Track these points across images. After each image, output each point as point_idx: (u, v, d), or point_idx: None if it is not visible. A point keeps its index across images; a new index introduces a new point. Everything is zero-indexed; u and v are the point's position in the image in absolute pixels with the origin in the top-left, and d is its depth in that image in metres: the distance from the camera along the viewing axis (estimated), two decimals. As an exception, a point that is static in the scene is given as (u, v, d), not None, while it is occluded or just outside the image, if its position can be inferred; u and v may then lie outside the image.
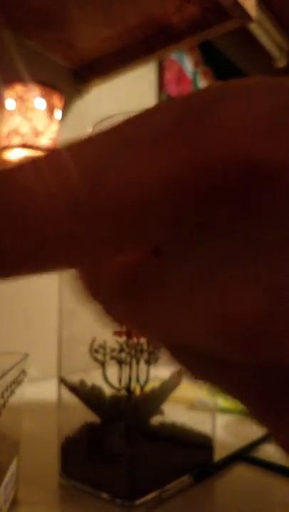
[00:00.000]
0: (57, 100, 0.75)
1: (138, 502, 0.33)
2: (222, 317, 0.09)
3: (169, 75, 1.23)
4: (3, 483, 0.30)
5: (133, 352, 0.34)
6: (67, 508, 0.34)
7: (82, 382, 0.37)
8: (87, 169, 0.09)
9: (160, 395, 0.37)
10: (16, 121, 0.72)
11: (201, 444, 0.41)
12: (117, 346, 0.35)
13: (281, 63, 1.68)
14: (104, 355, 0.35)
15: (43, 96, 0.72)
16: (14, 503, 0.33)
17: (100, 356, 0.35)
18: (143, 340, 0.35)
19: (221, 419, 0.56)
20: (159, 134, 0.09)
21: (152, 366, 0.36)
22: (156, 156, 0.08)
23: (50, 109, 0.73)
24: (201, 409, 0.41)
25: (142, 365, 0.35)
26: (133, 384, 0.35)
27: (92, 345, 0.36)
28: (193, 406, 0.41)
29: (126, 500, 0.33)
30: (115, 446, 0.34)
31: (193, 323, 0.09)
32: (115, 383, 0.35)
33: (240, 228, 0.09)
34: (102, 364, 0.35)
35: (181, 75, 1.28)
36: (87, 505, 0.33)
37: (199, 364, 0.11)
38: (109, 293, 0.11)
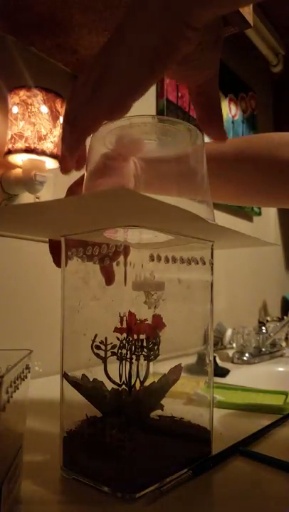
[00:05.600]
0: (60, 105, 0.76)
1: (138, 495, 0.33)
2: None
3: (169, 81, 1.24)
4: (7, 476, 0.31)
5: (133, 348, 0.35)
6: (68, 501, 0.34)
7: (84, 378, 0.37)
8: None
9: (159, 390, 0.38)
10: (19, 126, 0.73)
11: (200, 437, 0.42)
12: (117, 343, 0.35)
13: (277, 68, 1.70)
14: (106, 351, 0.36)
15: (46, 101, 0.73)
16: (17, 495, 0.34)
17: (101, 352, 0.36)
18: (143, 336, 0.36)
19: (219, 414, 0.56)
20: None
21: (152, 362, 0.37)
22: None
23: (53, 114, 0.74)
24: (199, 404, 0.42)
25: (142, 361, 0.36)
26: (133, 379, 0.35)
27: (93, 341, 0.36)
28: (191, 400, 0.41)
29: (126, 493, 0.33)
30: (116, 439, 0.35)
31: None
32: (116, 379, 0.36)
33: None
34: (104, 360, 0.36)
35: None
36: (88, 498, 0.34)
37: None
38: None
